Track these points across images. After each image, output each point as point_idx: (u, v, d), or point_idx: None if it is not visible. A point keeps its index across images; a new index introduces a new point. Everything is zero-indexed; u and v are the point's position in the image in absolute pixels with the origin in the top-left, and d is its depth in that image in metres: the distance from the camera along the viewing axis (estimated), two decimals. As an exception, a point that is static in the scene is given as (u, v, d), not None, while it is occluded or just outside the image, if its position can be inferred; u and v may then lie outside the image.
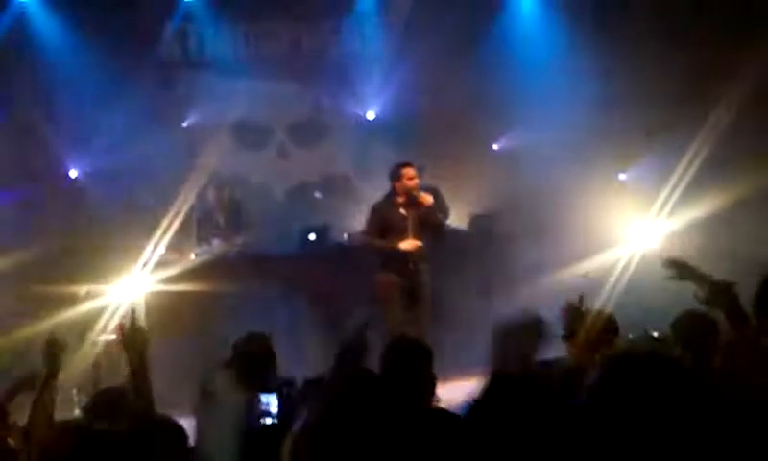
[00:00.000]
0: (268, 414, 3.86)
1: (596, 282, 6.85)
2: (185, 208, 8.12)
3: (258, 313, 6.70)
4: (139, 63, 9.32)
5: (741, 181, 7.63)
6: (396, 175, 6.98)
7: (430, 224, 7.03)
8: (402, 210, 6.95)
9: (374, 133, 10.15)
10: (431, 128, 9.67)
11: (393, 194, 7.01)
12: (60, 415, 3.98)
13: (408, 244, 6.88)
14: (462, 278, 7.89)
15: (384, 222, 6.99)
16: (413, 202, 6.91)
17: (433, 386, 3.65)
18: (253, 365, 3.87)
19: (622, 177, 8.82)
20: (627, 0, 9.23)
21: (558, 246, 8.51)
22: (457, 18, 9.76)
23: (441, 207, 7.38)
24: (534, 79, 9.41)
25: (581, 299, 3.67)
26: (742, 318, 2.70)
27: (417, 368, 3.49)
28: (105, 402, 3.59)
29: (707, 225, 7.59)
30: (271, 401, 3.88)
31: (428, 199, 6.94)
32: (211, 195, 8.75)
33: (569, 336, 3.59)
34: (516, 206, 9.01)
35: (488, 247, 8.63)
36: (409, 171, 6.95)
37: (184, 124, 9.85)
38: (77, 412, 4.81)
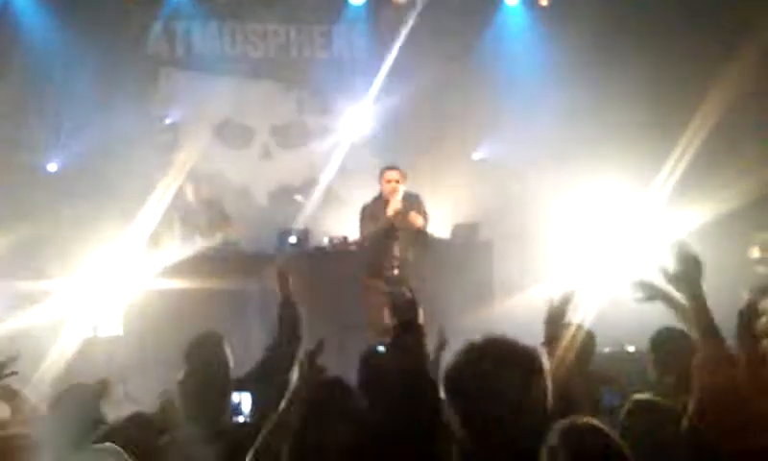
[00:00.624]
0: (240, 413, 3.78)
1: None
2: (164, 204, 8.07)
3: (235, 312, 6.66)
4: (126, 59, 9.31)
5: (729, 189, 7.63)
6: (379, 178, 7.16)
7: (410, 228, 7.04)
8: (388, 212, 7.00)
9: (358, 139, 10.11)
10: (414, 135, 9.68)
11: (380, 195, 7.15)
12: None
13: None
14: (446, 286, 7.85)
15: (372, 221, 7.07)
16: (403, 213, 6.99)
17: None
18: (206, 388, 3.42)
19: (604, 185, 8.83)
20: (614, 14, 9.26)
21: (540, 254, 8.51)
22: (445, 29, 9.83)
23: (421, 213, 7.32)
24: (516, 89, 9.45)
25: (564, 300, 3.24)
26: (717, 334, 2.67)
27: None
28: (69, 400, 3.52)
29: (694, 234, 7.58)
30: (243, 400, 3.81)
31: (418, 221, 7.05)
32: (189, 192, 8.67)
33: (548, 343, 3.12)
34: (498, 215, 9.02)
35: (471, 255, 8.60)
36: (388, 174, 7.09)
37: (168, 121, 9.77)
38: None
